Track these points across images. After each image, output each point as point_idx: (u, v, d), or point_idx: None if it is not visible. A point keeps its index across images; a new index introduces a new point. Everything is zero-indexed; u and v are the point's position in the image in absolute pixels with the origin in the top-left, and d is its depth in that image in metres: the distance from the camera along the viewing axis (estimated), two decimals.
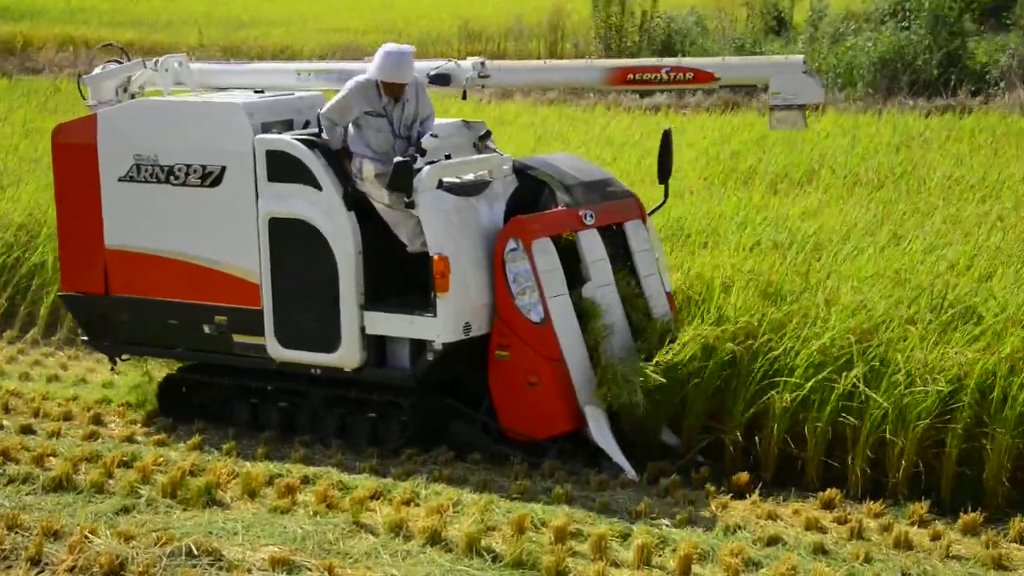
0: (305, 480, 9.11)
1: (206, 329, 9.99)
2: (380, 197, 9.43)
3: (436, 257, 9.08)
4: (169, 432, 10.21)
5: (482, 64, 10.06)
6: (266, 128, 9.75)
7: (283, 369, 9.87)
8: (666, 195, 10.21)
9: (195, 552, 7.79)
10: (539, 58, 28.01)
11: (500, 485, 8.99)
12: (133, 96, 10.81)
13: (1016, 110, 22.26)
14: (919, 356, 8.89)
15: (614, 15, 28.55)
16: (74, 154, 10.38)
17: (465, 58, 10.18)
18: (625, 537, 8.11)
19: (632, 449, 9.31)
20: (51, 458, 9.51)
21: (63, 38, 34.51)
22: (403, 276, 9.58)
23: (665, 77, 9.76)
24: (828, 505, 8.66)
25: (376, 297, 9.47)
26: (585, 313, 9.35)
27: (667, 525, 8.27)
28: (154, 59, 10.85)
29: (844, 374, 8.98)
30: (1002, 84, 24.67)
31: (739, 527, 8.21)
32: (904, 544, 8.03)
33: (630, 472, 9.05)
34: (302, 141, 9.57)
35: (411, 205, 9.21)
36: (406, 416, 9.68)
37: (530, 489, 8.91)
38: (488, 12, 34.00)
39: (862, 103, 22.10)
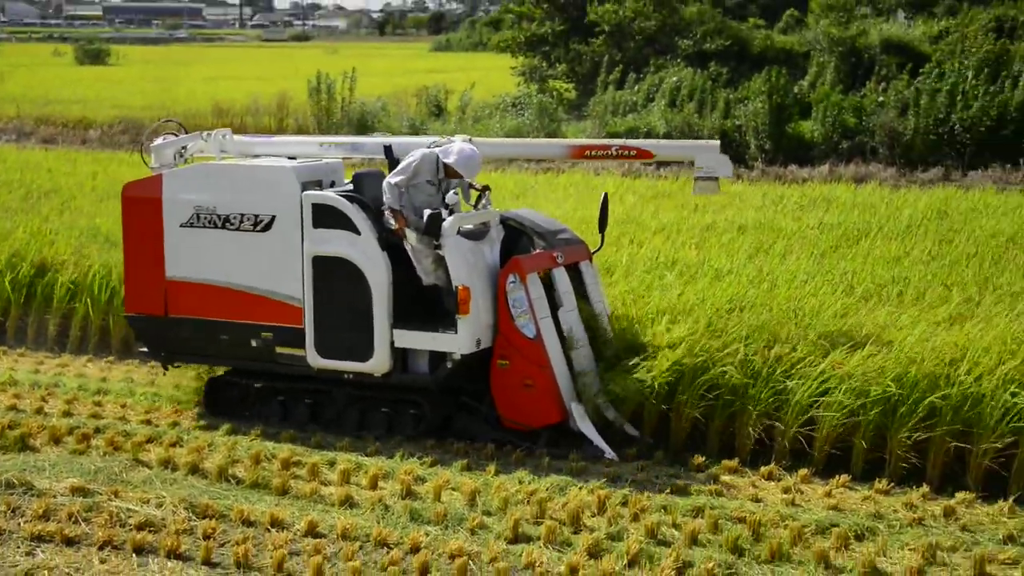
0: (97, 430, 8.72)
1: (253, 343, 8.90)
2: (411, 240, 8.57)
3: (460, 287, 8.30)
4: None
5: (470, 140, 9.20)
6: (305, 186, 8.83)
7: (319, 375, 8.84)
8: (602, 242, 9.32)
9: (14, 484, 7.45)
10: (271, 131, 27.38)
11: (243, 431, 8.78)
12: (186, 161, 9.70)
13: (590, 173, 23.00)
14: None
15: (323, 100, 28.28)
16: (141, 205, 9.20)
17: (455, 135, 9.12)
18: (332, 464, 8.06)
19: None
20: None
21: None
22: (420, 302, 8.75)
23: (614, 153, 8.97)
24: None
25: (402, 317, 8.62)
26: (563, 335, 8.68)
27: (362, 455, 8.26)
28: (206, 132, 9.82)
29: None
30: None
31: (411, 455, 8.26)
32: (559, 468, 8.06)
33: (609, 452, 8.29)
34: (343, 196, 8.74)
35: (438, 247, 8.48)
36: (420, 411, 8.80)
37: (265, 432, 8.75)
38: (233, 95, 32.86)
39: (493, 165, 22.52)
